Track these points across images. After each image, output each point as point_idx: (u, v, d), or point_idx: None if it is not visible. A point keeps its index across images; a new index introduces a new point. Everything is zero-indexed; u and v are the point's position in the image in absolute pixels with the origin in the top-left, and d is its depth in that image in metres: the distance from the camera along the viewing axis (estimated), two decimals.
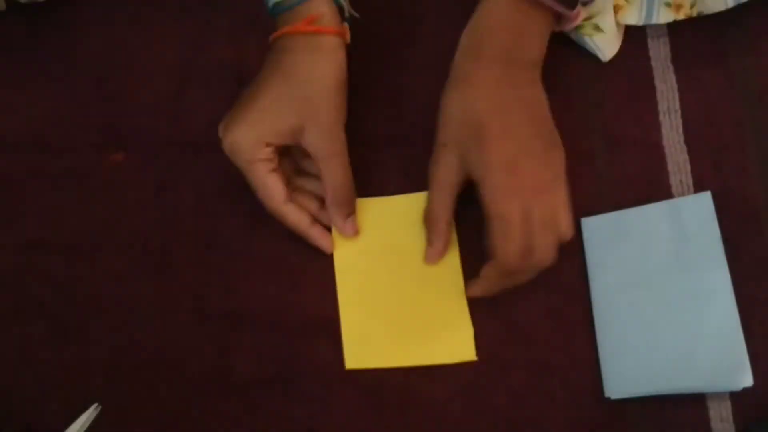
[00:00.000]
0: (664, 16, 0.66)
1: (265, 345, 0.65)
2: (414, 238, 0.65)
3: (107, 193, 0.69)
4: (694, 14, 0.66)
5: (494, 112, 0.60)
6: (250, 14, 0.73)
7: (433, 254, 0.64)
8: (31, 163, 0.70)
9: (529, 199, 0.58)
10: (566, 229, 0.60)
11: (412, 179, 0.67)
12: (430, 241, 0.64)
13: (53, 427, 0.64)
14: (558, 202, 0.60)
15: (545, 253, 0.59)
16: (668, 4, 0.66)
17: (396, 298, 0.64)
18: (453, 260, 0.64)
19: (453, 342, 0.63)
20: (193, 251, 0.67)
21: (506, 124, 0.59)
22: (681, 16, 0.66)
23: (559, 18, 0.63)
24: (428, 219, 0.64)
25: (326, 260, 0.66)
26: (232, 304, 0.66)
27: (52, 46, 0.73)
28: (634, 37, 0.69)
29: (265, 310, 0.66)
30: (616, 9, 0.67)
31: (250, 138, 0.61)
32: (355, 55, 0.71)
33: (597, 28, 0.67)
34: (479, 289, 0.63)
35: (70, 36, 0.73)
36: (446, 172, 0.62)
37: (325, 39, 0.62)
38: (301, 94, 0.61)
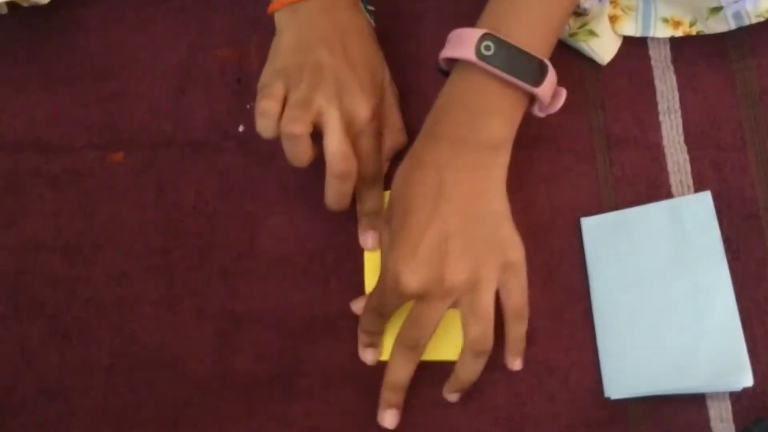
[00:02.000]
0: (661, 31, 0.67)
1: (265, 345, 0.65)
2: None
3: (107, 193, 0.69)
4: (693, 33, 0.66)
5: (426, 196, 0.57)
6: (250, 14, 0.73)
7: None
8: (31, 163, 0.70)
9: (420, 298, 0.57)
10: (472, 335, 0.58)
11: None
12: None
13: (53, 427, 0.64)
14: (454, 305, 0.58)
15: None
16: (666, 20, 0.66)
17: None
18: None
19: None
20: (193, 251, 0.67)
21: (434, 212, 0.57)
22: (679, 33, 0.66)
23: (532, 98, 0.59)
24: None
25: (326, 260, 0.66)
26: (232, 304, 0.66)
27: (52, 47, 0.73)
28: (634, 37, 0.69)
29: (265, 310, 0.66)
30: (614, 19, 0.67)
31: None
32: None
33: (592, 33, 0.67)
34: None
35: (70, 36, 0.73)
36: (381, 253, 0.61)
37: None
38: (377, 47, 0.64)
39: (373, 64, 0.63)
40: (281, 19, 0.61)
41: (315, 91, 0.59)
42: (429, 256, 0.57)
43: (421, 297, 0.58)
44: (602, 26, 0.67)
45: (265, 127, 0.59)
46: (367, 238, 0.64)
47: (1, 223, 0.69)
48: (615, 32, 0.68)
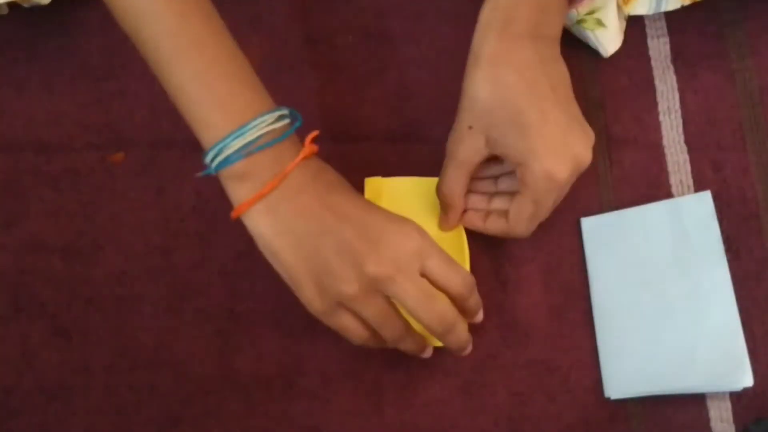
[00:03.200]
0: (672, 3, 0.66)
1: (265, 344, 0.65)
2: (426, 219, 0.65)
3: (107, 193, 0.69)
4: None
5: (528, 95, 0.57)
6: (250, 14, 0.73)
7: (447, 224, 0.64)
8: (31, 163, 0.70)
9: (571, 176, 0.58)
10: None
11: (413, 176, 0.66)
12: (445, 212, 0.64)
13: (53, 427, 0.64)
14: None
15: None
16: None
17: None
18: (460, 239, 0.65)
19: None
20: (193, 251, 0.67)
21: (543, 109, 0.57)
22: (687, 2, 0.65)
23: None
24: (443, 194, 0.62)
25: None
26: (232, 304, 0.66)
27: (52, 47, 0.73)
28: (634, 37, 0.69)
29: (265, 309, 0.66)
30: (626, 0, 0.67)
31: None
32: (355, 53, 0.71)
33: (599, 22, 0.67)
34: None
35: (70, 36, 0.73)
36: (470, 153, 0.60)
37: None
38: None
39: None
40: (259, 225, 0.54)
41: (369, 273, 0.53)
42: (565, 141, 0.58)
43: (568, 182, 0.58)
44: (610, 17, 0.67)
45: (365, 342, 0.57)
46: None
47: (1, 223, 0.69)
48: (628, 14, 0.67)
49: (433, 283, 0.55)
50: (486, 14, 0.59)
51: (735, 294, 0.61)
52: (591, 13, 0.66)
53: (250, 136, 0.52)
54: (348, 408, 0.63)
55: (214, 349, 0.65)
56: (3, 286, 0.67)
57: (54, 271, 0.67)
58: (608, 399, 0.62)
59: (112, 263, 0.67)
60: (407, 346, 0.58)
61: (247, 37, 0.72)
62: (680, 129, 0.67)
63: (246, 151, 0.52)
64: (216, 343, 0.65)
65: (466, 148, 0.60)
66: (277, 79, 0.71)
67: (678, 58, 0.69)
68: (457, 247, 0.63)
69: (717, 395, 0.61)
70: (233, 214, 0.54)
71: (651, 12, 0.66)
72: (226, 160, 0.53)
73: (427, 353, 0.60)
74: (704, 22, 0.69)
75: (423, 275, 0.54)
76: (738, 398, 0.61)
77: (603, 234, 0.65)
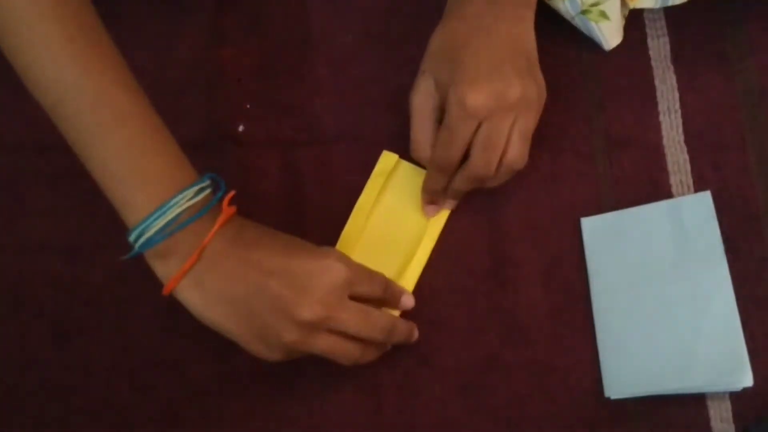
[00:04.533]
0: None
1: None
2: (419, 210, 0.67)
3: None
4: None
5: (472, 36, 0.61)
6: (250, 14, 0.73)
7: (429, 211, 0.66)
8: (31, 163, 0.70)
9: (485, 116, 0.60)
10: (514, 157, 0.61)
11: None
12: (423, 163, 0.65)
13: (53, 427, 0.64)
14: (511, 126, 0.60)
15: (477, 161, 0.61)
16: None
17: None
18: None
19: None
20: None
21: (481, 46, 0.60)
22: None
23: None
24: (414, 149, 0.65)
25: None
26: None
27: None
28: (634, 36, 0.69)
29: None
30: None
31: None
32: (355, 53, 0.71)
33: (603, 14, 0.66)
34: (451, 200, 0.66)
35: None
36: (424, 98, 0.63)
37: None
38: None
39: (298, 239, 0.59)
40: (190, 299, 0.55)
41: (304, 320, 0.55)
42: (489, 76, 0.59)
43: (485, 115, 0.59)
44: (614, 10, 0.67)
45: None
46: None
47: (1, 223, 0.69)
48: (633, 7, 0.67)
49: (360, 300, 0.57)
50: None
51: (735, 294, 0.61)
52: (596, 4, 0.66)
53: (170, 214, 0.53)
54: (348, 408, 0.63)
55: (213, 349, 0.65)
56: (3, 286, 0.67)
57: (54, 271, 0.67)
58: (608, 399, 0.62)
59: (112, 263, 0.67)
60: (398, 337, 0.60)
61: (247, 37, 0.72)
62: (680, 129, 0.67)
63: (167, 230, 0.53)
64: (216, 343, 0.65)
65: (419, 93, 0.63)
66: (277, 79, 0.71)
67: (678, 58, 0.69)
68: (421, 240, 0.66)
69: (717, 395, 0.61)
70: (164, 291, 0.55)
71: (658, 5, 0.66)
72: (149, 242, 0.54)
73: (415, 335, 0.62)
74: (704, 22, 0.69)
75: (352, 298, 0.57)
76: (738, 398, 0.61)
77: (603, 234, 0.65)
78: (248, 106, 0.70)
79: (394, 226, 0.66)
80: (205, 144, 0.69)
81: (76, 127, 0.54)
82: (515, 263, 0.65)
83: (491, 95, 0.59)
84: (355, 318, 0.56)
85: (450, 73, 0.60)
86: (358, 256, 0.61)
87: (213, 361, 0.65)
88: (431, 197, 0.66)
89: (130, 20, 0.73)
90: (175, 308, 0.66)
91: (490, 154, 0.60)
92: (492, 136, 0.60)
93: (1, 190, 0.70)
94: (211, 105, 0.70)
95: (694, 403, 0.61)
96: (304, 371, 0.64)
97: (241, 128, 0.70)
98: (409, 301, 0.63)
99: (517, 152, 0.61)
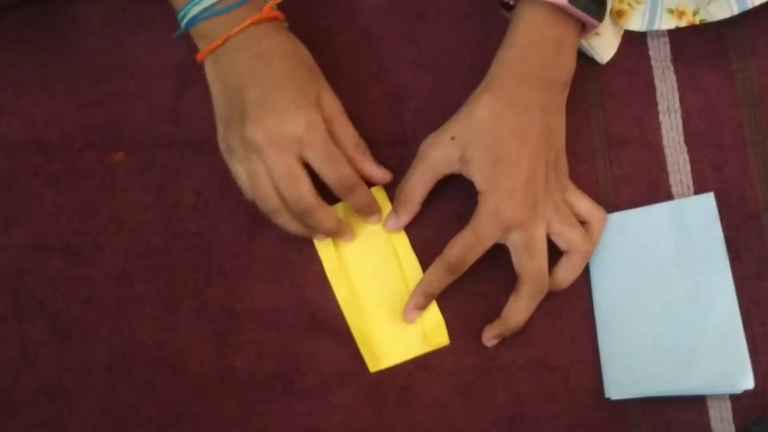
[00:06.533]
0: (666, 23, 0.66)
1: (265, 344, 0.65)
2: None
3: (107, 193, 0.69)
4: (697, 22, 0.66)
5: (517, 134, 0.60)
6: None
7: (395, 225, 0.65)
8: (31, 163, 0.70)
9: (511, 227, 0.60)
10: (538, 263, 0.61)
11: None
12: (396, 212, 0.65)
13: (53, 427, 0.64)
14: (536, 235, 0.61)
15: None
16: (671, 11, 0.66)
17: (378, 297, 0.65)
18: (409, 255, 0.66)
19: (426, 330, 0.64)
20: (193, 251, 0.67)
21: (522, 154, 0.60)
22: (683, 23, 0.66)
23: (582, 28, 0.63)
24: (404, 193, 0.64)
25: None
26: (232, 304, 0.66)
27: (52, 47, 0.73)
28: (634, 37, 0.69)
29: (265, 309, 0.66)
30: (620, 14, 0.67)
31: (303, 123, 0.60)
32: (355, 53, 0.71)
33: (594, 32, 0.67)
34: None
35: (70, 36, 0.73)
36: (442, 161, 0.62)
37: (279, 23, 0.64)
38: (309, 63, 0.64)
39: (300, 80, 0.62)
40: (208, 71, 0.63)
41: (246, 135, 0.60)
42: (524, 190, 0.60)
43: (513, 227, 0.60)
44: (604, 25, 0.67)
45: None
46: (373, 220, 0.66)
47: (1, 223, 0.69)
48: (620, 27, 0.67)
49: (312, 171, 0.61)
50: (503, 52, 0.62)
51: (735, 295, 0.61)
52: None
53: (207, 2, 0.61)
54: (348, 408, 0.63)
55: (213, 349, 0.65)
56: (3, 286, 0.67)
57: (54, 271, 0.67)
58: (608, 399, 0.62)
59: (112, 263, 0.67)
60: (315, 222, 0.62)
61: None
62: (680, 129, 0.67)
63: (207, 14, 0.61)
64: (215, 343, 0.65)
65: (440, 154, 0.62)
66: None
67: (678, 58, 0.69)
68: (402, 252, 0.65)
69: (717, 396, 0.61)
70: (198, 58, 0.63)
71: (643, 29, 0.67)
72: (192, 21, 0.62)
73: (377, 219, 0.65)
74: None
75: (304, 162, 0.60)
76: (738, 399, 0.61)
77: (605, 234, 0.65)
78: None
79: (372, 262, 0.66)
80: (205, 144, 0.69)
81: None
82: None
83: (527, 213, 0.60)
84: (281, 170, 0.59)
85: (488, 167, 0.60)
86: (367, 306, 0.64)
87: (213, 361, 0.65)
88: (427, 301, 0.64)
89: (131, 21, 0.73)
90: (175, 308, 0.66)
91: (537, 260, 0.61)
92: (528, 244, 0.60)
93: (1, 190, 0.70)
94: (211, 105, 0.69)
95: (694, 404, 0.61)
96: (304, 371, 0.64)
97: None
98: (382, 175, 0.65)
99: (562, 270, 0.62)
